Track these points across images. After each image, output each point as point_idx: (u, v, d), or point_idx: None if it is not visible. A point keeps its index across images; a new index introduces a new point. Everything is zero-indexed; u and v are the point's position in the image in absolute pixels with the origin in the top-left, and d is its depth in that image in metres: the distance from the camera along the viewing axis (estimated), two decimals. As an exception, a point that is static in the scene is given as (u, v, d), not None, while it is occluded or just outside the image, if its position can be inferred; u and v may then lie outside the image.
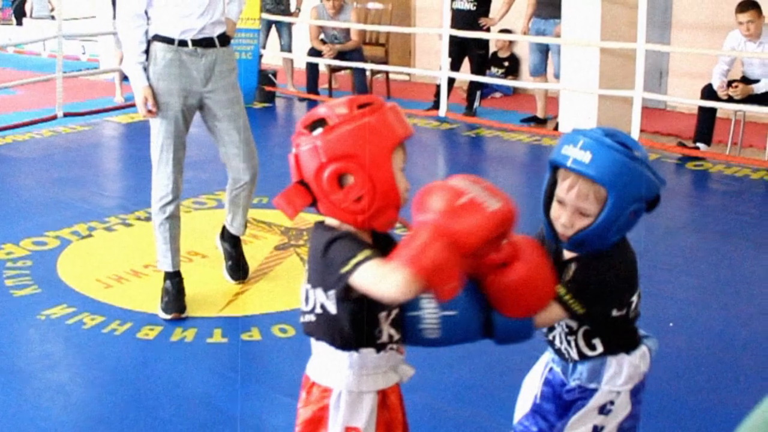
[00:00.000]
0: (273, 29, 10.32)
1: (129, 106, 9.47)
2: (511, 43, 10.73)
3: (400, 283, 1.78)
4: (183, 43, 4.24)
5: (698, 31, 9.22)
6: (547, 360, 2.47)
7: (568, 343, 2.30)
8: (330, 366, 2.04)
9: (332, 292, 1.94)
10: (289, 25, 10.31)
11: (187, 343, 4.07)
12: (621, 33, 8.10)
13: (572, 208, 2.12)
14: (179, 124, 4.29)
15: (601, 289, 2.16)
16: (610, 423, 2.28)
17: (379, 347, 2.01)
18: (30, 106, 9.48)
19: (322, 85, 10.12)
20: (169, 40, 4.23)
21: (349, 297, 1.91)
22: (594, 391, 2.28)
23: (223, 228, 4.77)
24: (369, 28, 10.29)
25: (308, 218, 5.78)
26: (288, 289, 4.64)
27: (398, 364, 2.09)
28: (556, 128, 8.65)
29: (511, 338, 2.10)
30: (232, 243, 4.75)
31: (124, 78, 10.02)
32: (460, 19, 9.04)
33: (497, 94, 10.63)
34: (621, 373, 2.26)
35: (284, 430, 3.34)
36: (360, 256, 1.87)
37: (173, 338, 4.12)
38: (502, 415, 3.47)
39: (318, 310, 2.00)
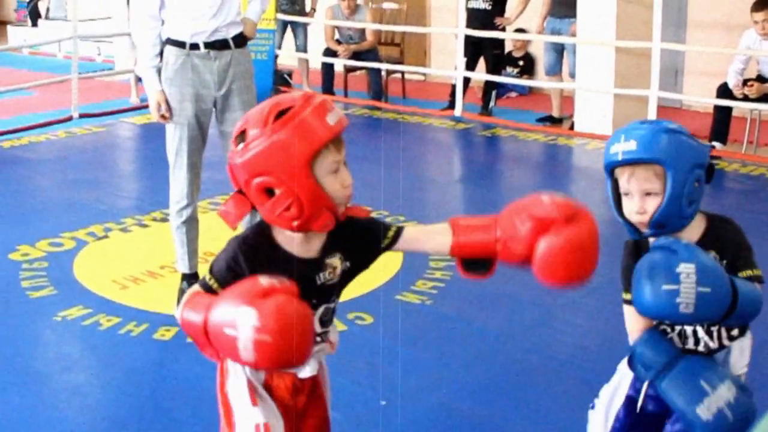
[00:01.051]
0: (288, 30, 10.32)
1: (144, 106, 9.48)
2: (526, 42, 10.70)
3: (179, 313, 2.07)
4: (194, 47, 4.18)
5: (714, 29, 9.18)
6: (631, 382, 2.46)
7: (710, 334, 2.33)
8: None
9: None
10: (305, 25, 10.32)
11: (202, 344, 4.08)
12: (636, 32, 8.07)
13: (639, 194, 2.22)
14: (193, 128, 4.24)
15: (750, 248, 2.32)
16: None
17: None
18: (45, 108, 9.52)
19: (338, 85, 10.12)
20: (180, 44, 4.18)
21: None
22: None
23: None
24: (384, 28, 10.29)
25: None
26: (303, 289, 4.64)
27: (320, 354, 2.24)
28: (571, 128, 8.63)
29: (745, 317, 2.22)
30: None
31: (140, 79, 10.05)
32: (475, 18, 9.04)
33: (513, 94, 10.61)
34: (744, 354, 2.34)
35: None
36: (207, 276, 2.12)
37: (189, 339, 4.12)
38: (518, 414, 3.47)
39: None
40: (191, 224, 4.36)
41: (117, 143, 8.61)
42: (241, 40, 4.32)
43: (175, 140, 4.25)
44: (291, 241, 2.08)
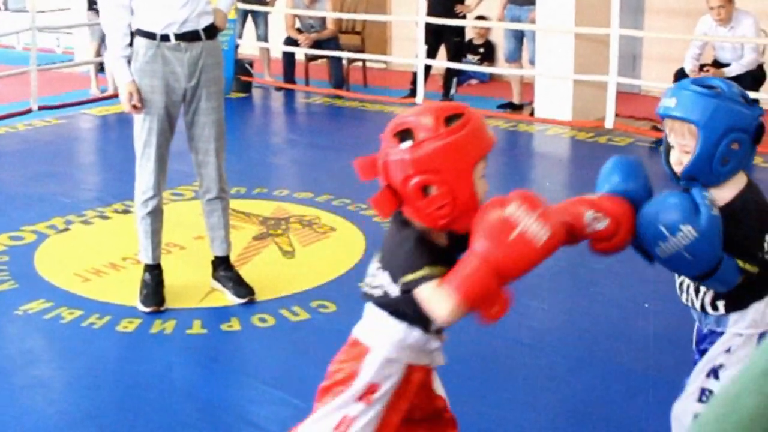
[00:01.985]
0: (249, 19, 10.31)
1: (105, 98, 9.46)
2: (486, 30, 10.76)
3: (448, 310, 2.02)
4: (165, 38, 4.14)
5: (671, 16, 9.29)
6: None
7: (696, 293, 2.50)
8: (378, 329, 2.25)
9: (396, 286, 2.15)
10: (265, 14, 10.30)
11: (166, 335, 4.09)
12: (595, 19, 8.15)
13: (678, 148, 2.37)
14: (163, 121, 4.22)
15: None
16: (731, 361, 2.46)
17: (427, 330, 2.24)
18: (4, 100, 9.43)
19: (299, 74, 10.13)
20: (150, 35, 4.14)
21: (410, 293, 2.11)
22: (720, 334, 2.48)
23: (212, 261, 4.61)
24: (345, 16, 10.30)
25: (287, 208, 5.81)
26: (266, 279, 4.66)
27: (435, 349, 2.32)
28: (532, 114, 8.70)
29: (724, 282, 2.33)
30: (224, 266, 4.56)
31: (100, 70, 10.00)
32: (436, 6, 9.08)
33: (473, 81, 10.67)
34: (745, 318, 2.44)
35: (266, 418, 3.37)
36: (422, 272, 2.06)
37: (153, 330, 4.14)
38: (483, 399, 3.51)
39: (381, 290, 2.22)
40: (156, 216, 4.36)
41: (77, 135, 8.56)
42: (211, 31, 4.27)
43: (144, 132, 4.23)
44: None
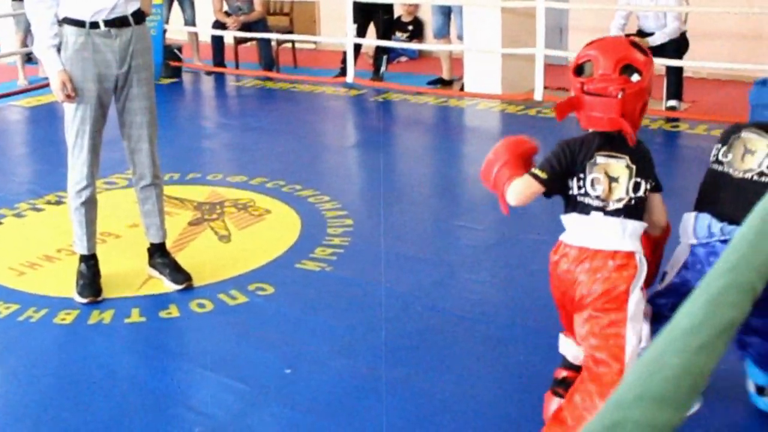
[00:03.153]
0: (175, 3, 10.20)
1: (33, 89, 9.32)
2: (415, 7, 10.78)
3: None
4: (95, 25, 4.08)
5: (596, -14, 9.39)
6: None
7: None
8: (634, 236, 2.78)
9: (641, 191, 2.82)
10: (191, -2, 10.21)
11: (105, 325, 4.08)
12: (520, -8, 8.22)
13: None
14: (96, 109, 4.17)
15: None
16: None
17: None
18: (-72, 94, 9.25)
19: (229, 57, 10.06)
20: (79, 23, 4.07)
21: None
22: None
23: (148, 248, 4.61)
24: (272, -3, 10.25)
25: (222, 193, 5.80)
26: (204, 264, 4.66)
27: None
28: (462, 89, 8.75)
29: None
30: (160, 253, 4.57)
31: (27, 60, 9.83)
32: (363, -16, 9.08)
33: (403, 59, 10.70)
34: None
35: (209, 403, 3.38)
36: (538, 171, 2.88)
37: (91, 321, 4.12)
38: (426, 374, 3.56)
39: (633, 200, 2.79)
40: (90, 205, 4.33)
41: (6, 127, 8.42)
42: (140, 16, 4.22)
43: (77, 121, 4.17)
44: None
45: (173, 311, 4.18)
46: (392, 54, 10.14)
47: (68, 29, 4.10)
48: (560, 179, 2.81)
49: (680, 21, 7.49)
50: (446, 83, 9.12)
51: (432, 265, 4.56)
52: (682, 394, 0.87)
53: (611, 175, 2.77)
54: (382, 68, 9.39)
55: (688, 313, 0.98)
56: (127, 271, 4.61)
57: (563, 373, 3.07)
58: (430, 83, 9.12)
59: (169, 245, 4.62)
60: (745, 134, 2.98)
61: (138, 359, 3.82)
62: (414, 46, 10.11)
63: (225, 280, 4.49)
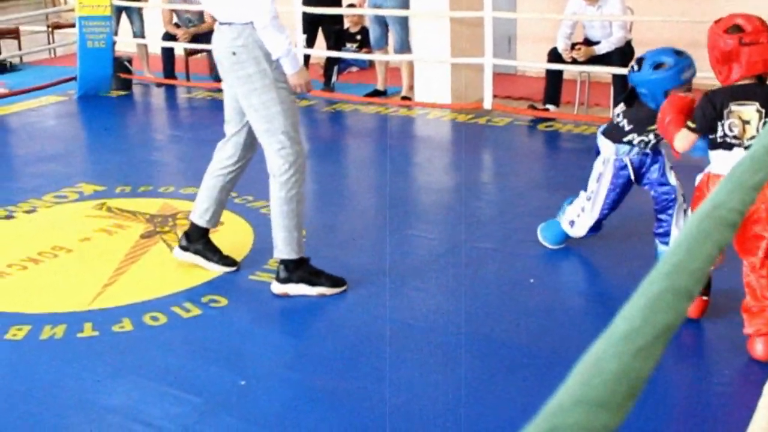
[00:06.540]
0: (123, 15, 10.15)
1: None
2: (360, 17, 10.81)
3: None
4: None
5: (542, -4, 9.50)
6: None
7: None
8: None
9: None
10: (139, 10, 10.16)
11: (57, 340, 4.05)
12: (469, 2, 8.29)
13: None
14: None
15: None
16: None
17: None
18: None
19: (179, 69, 10.02)
20: None
21: None
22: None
23: (187, 233, 4.73)
24: (221, 9, 10.21)
25: (174, 205, 5.78)
26: (156, 276, 4.65)
27: None
28: (403, 98, 8.77)
29: None
30: (206, 238, 4.76)
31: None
32: (311, -6, 9.09)
33: (354, 69, 10.73)
34: None
35: (163, 418, 3.38)
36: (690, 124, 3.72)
37: (43, 336, 4.09)
38: (377, 384, 3.58)
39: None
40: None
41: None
42: None
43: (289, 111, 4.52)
44: None
45: (126, 325, 4.17)
46: (343, 64, 10.17)
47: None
48: (708, 124, 3.56)
49: (625, 30, 7.62)
50: (380, 93, 9.11)
51: (380, 274, 4.59)
52: (619, 398, 0.90)
53: (744, 119, 3.49)
54: (333, 78, 9.41)
55: (625, 318, 1.01)
56: (79, 285, 4.59)
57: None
58: (366, 95, 9.07)
59: (120, 259, 4.61)
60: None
61: (90, 374, 3.79)
62: (363, 56, 10.15)
63: (178, 292, 4.49)
